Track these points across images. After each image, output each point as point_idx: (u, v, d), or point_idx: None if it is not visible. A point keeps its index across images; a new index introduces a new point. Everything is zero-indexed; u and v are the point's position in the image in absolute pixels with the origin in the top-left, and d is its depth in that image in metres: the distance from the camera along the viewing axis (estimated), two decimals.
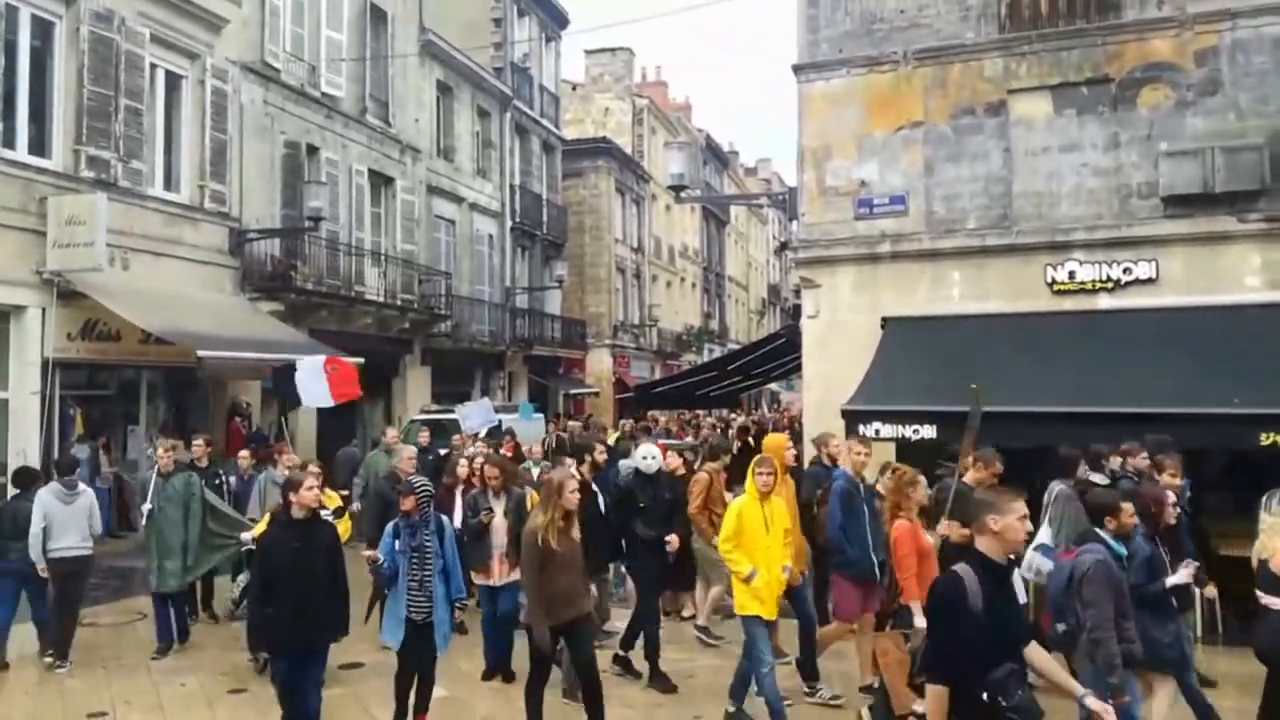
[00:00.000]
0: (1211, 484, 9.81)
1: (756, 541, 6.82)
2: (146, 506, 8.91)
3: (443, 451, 12.84)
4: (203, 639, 9.53)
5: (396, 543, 6.73)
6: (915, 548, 6.38)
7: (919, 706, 5.54)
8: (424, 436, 13.77)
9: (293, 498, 6.21)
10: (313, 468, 8.10)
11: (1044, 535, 7.34)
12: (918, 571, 6.27)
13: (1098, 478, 7.92)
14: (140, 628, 10.11)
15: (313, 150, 19.93)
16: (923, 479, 6.87)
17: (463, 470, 9.84)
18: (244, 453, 11.22)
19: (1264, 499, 6.31)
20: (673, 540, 8.80)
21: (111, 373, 15.57)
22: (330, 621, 6.28)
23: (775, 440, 8.88)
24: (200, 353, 13.66)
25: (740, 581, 6.79)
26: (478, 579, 8.38)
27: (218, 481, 9.98)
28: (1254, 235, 11.35)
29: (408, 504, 6.77)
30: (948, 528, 6.28)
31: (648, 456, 9.25)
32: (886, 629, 6.52)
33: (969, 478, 7.05)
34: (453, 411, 18.62)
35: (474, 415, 16.05)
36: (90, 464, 14.40)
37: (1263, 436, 8.67)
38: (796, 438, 18.12)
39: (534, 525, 6.35)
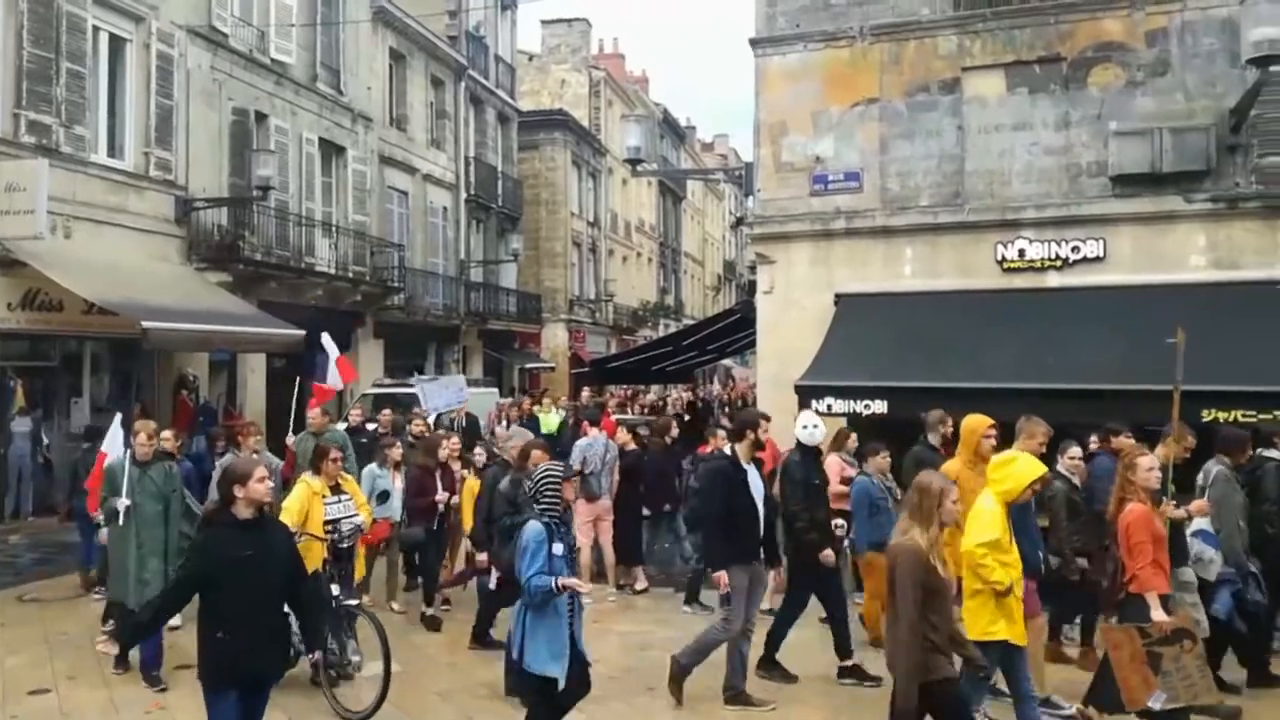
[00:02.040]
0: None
1: (1008, 547, 5.54)
2: (123, 502, 7.33)
3: (371, 427, 12.37)
4: None
5: (557, 546, 5.38)
6: (1150, 533, 5.76)
7: (1155, 703, 5.31)
8: (357, 413, 13.04)
9: (238, 492, 4.92)
10: (335, 453, 7.66)
11: (1203, 521, 6.98)
12: (1153, 559, 5.69)
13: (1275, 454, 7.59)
14: (82, 604, 9.94)
15: (261, 118, 19.55)
16: (1145, 459, 6.10)
17: (445, 451, 9.43)
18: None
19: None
20: (840, 525, 8.09)
21: (54, 344, 15.23)
22: (285, 648, 5.53)
23: (976, 422, 7.12)
24: (145, 324, 13.40)
25: (992, 598, 5.40)
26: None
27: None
28: (1200, 215, 11.54)
29: (569, 491, 5.63)
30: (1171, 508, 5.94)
31: (808, 425, 7.72)
32: (1112, 621, 5.99)
33: (1159, 453, 6.59)
34: (407, 385, 18.48)
35: (436, 394, 15.02)
36: (31, 437, 14.13)
37: (1204, 413, 8.84)
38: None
39: (912, 545, 4.84)
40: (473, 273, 29.66)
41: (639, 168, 16.16)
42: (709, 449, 10.24)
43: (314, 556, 7.07)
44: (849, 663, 7.40)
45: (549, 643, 5.31)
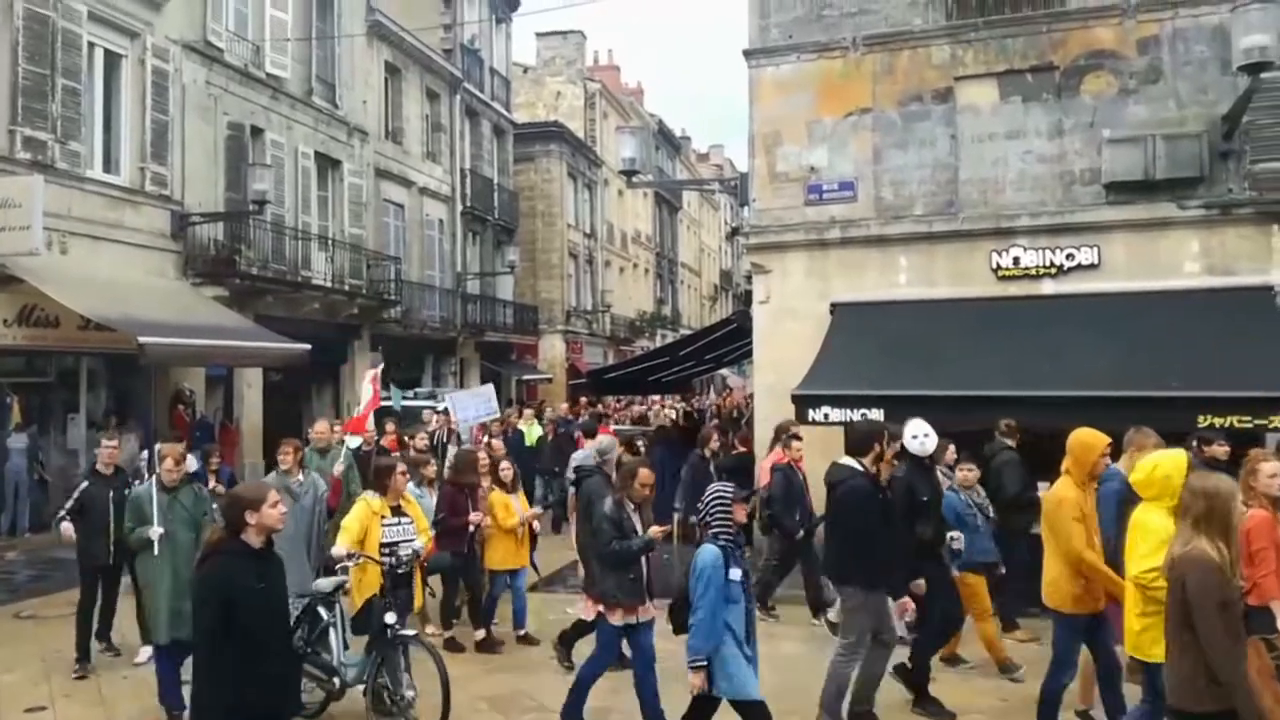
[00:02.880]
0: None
1: None
2: (155, 531, 6.93)
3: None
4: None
5: (734, 571, 5.19)
6: (1272, 540, 5.48)
7: None
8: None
9: (250, 518, 4.54)
10: (401, 469, 7.27)
11: None
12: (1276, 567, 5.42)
13: None
14: None
15: (257, 132, 19.58)
16: (1268, 464, 5.81)
17: (506, 471, 9.17)
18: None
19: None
20: (957, 538, 7.62)
21: (50, 359, 15.23)
22: (298, 686, 5.31)
23: (1094, 439, 6.20)
24: (142, 339, 13.39)
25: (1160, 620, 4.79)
26: (621, 617, 6.48)
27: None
28: (1193, 222, 11.56)
29: (741, 513, 5.37)
30: None
31: (918, 435, 7.13)
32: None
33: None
34: (405, 397, 18.47)
35: (467, 405, 14.24)
36: (28, 454, 14.10)
37: (1200, 419, 8.85)
38: (736, 424, 18.18)
39: (1203, 557, 4.11)
40: (469, 285, 29.67)
41: (634, 179, 16.17)
42: (783, 459, 10.06)
43: (369, 582, 6.79)
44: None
45: (738, 666, 5.16)
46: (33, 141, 14.14)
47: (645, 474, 6.69)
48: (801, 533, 9.75)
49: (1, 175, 13.48)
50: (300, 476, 8.08)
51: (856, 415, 10.18)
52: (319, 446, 9.73)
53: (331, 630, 6.79)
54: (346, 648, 6.86)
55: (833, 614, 8.55)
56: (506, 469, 9.31)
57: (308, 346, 17.26)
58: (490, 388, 15.94)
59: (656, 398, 28.83)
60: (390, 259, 24.14)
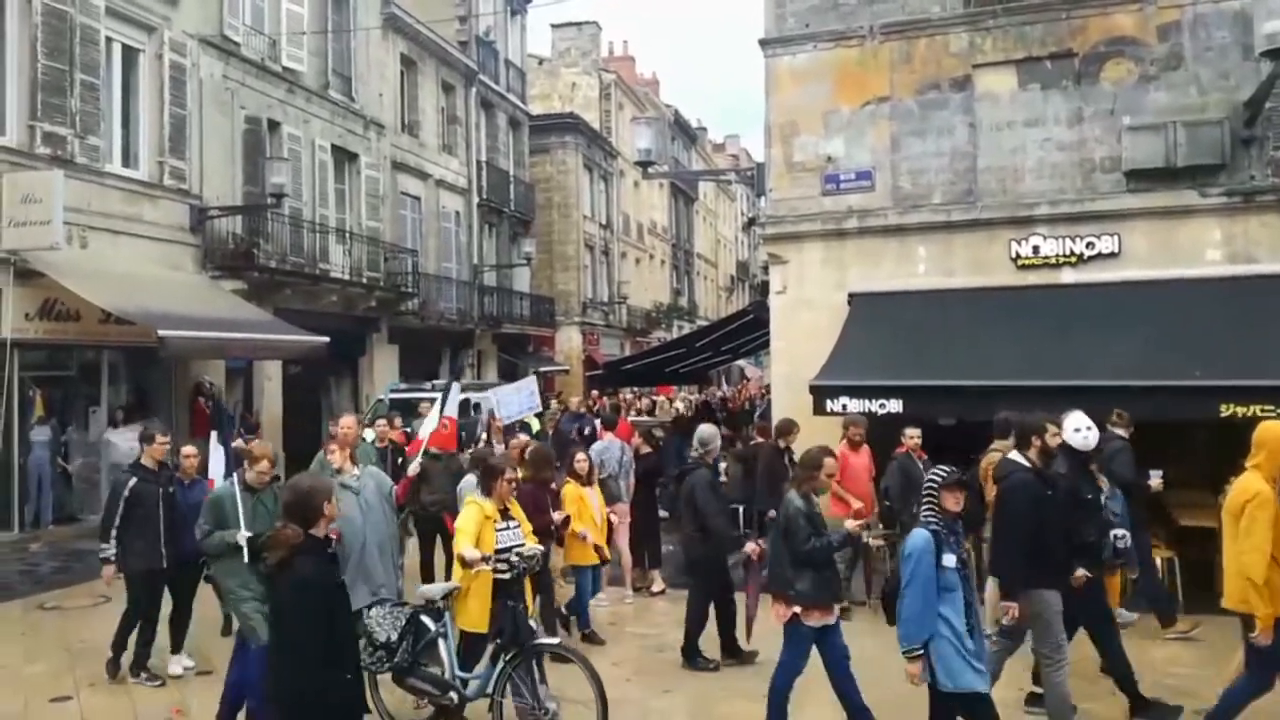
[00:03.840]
0: (1173, 456, 9.94)
1: None
2: (243, 535, 6.53)
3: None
4: (165, 621, 9.41)
5: (948, 558, 4.98)
6: None
7: None
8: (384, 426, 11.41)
9: (327, 509, 4.41)
10: (509, 473, 6.66)
11: None
12: None
13: None
14: (104, 611, 9.99)
15: (274, 125, 19.65)
16: None
17: (582, 463, 8.92)
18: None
19: None
20: (1123, 536, 7.20)
21: (71, 353, 15.34)
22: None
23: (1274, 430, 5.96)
24: (161, 332, 13.48)
25: None
26: (817, 618, 6.16)
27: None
28: (1215, 209, 11.46)
29: (951, 500, 5.13)
30: None
31: (1080, 428, 6.79)
32: None
33: None
34: (422, 389, 18.51)
35: (510, 400, 13.73)
36: (50, 447, 14.22)
37: (1223, 408, 8.78)
38: (748, 417, 18.11)
39: None
40: (486, 277, 29.73)
41: (650, 170, 16.15)
42: (903, 450, 9.53)
43: (484, 591, 6.34)
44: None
45: (955, 657, 4.95)
46: (52, 137, 14.23)
47: (830, 464, 6.43)
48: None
49: (22, 170, 13.57)
50: (355, 470, 7.60)
51: (874, 405, 10.18)
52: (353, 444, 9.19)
53: (441, 641, 6.35)
54: (460, 661, 6.39)
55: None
56: (583, 460, 9.07)
57: (326, 339, 17.34)
58: (533, 380, 15.24)
59: (658, 390, 28.77)
60: (407, 251, 24.21)
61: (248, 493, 6.74)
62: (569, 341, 35.93)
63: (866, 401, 10.24)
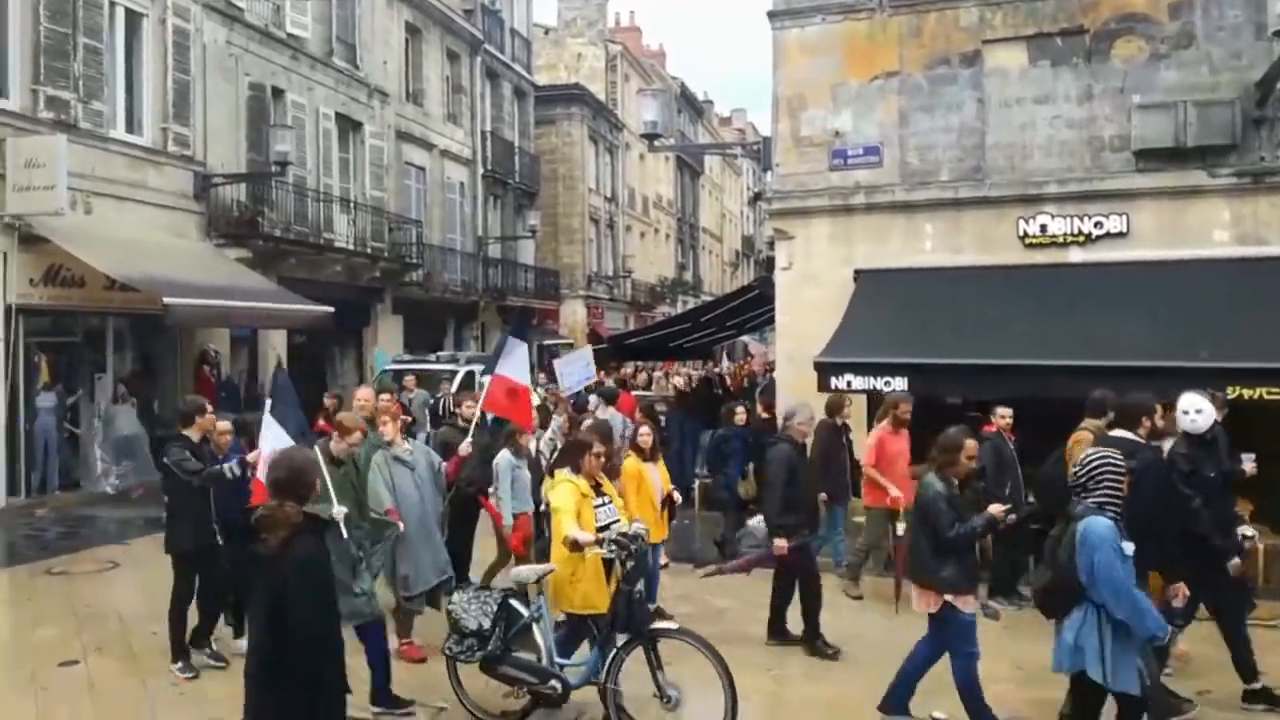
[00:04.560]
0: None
1: None
2: (339, 510, 6.17)
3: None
4: (170, 587, 9.46)
5: (1128, 545, 4.73)
6: None
7: None
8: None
9: (317, 485, 4.43)
10: (598, 446, 6.33)
11: None
12: None
13: None
14: (110, 576, 10.08)
15: (278, 93, 19.55)
16: None
17: (646, 437, 8.41)
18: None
19: None
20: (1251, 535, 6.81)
21: (76, 319, 15.33)
22: None
23: None
24: (167, 300, 13.47)
25: None
26: (971, 605, 5.98)
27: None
28: (1224, 190, 11.42)
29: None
30: None
31: (1189, 410, 6.51)
32: None
33: None
34: (426, 361, 18.54)
35: (572, 371, 13.26)
36: (56, 412, 14.26)
37: (1229, 389, 8.77)
38: (749, 393, 17.96)
39: None
40: (490, 249, 29.67)
41: (656, 143, 16.09)
42: (992, 429, 8.99)
43: (586, 573, 5.98)
44: (1256, 685, 6.39)
45: (1122, 654, 4.68)
46: (55, 101, 14.15)
47: (971, 446, 6.12)
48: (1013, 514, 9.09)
49: (25, 135, 13.51)
50: (408, 444, 7.26)
51: (879, 383, 10.18)
52: (368, 417, 8.28)
53: (535, 626, 6.02)
54: (569, 649, 6.13)
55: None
56: (646, 435, 8.57)
57: (331, 309, 17.33)
58: (589, 350, 14.60)
59: (660, 365, 28.68)
60: (411, 222, 24.15)
61: (333, 465, 6.34)
62: (573, 315, 35.91)
63: (871, 379, 10.25)
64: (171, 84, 16.55)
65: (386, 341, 23.09)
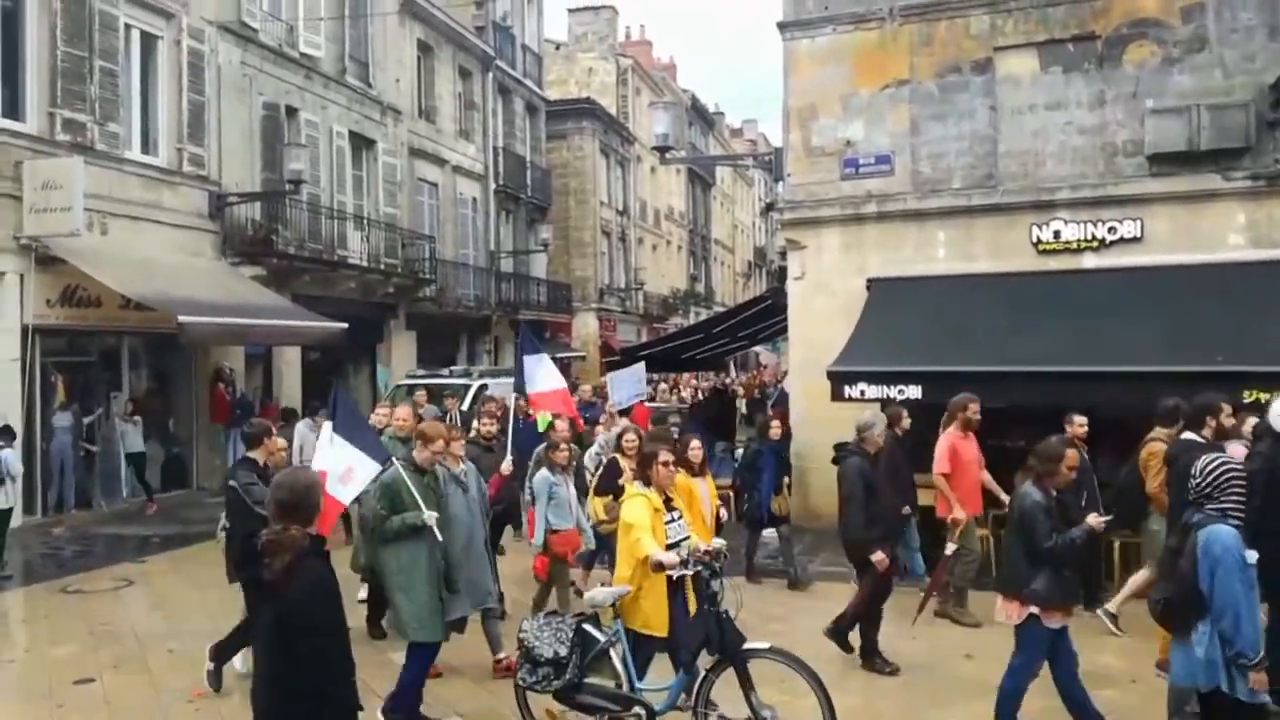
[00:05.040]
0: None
1: None
2: (432, 515, 6.24)
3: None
4: (186, 604, 9.51)
5: (1251, 554, 4.56)
6: None
7: None
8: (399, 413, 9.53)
9: (321, 505, 4.30)
10: (665, 455, 5.91)
11: None
12: None
13: None
14: (125, 594, 10.11)
15: (292, 112, 19.68)
16: None
17: (696, 451, 8.15)
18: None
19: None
20: None
21: (92, 339, 15.43)
22: None
23: None
24: (181, 318, 13.55)
25: None
26: (1057, 619, 5.73)
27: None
28: (1239, 193, 11.34)
29: None
30: None
31: None
32: None
33: None
34: (440, 375, 18.56)
35: (624, 386, 13.35)
36: (72, 431, 14.34)
37: (1246, 393, 8.69)
38: (760, 403, 17.84)
39: None
40: (503, 263, 29.74)
41: (667, 155, 16.10)
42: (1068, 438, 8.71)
43: (657, 591, 5.71)
44: None
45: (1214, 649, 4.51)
46: (72, 123, 14.29)
47: (1073, 456, 5.88)
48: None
49: (42, 157, 13.64)
50: (463, 465, 7.09)
51: (893, 391, 10.13)
52: (400, 435, 8.38)
53: (612, 651, 5.78)
54: (637, 671, 5.80)
55: (1112, 605, 8.08)
56: (696, 449, 8.35)
57: (344, 325, 17.40)
58: (641, 367, 14.65)
59: (671, 378, 28.59)
60: (425, 238, 24.24)
61: (417, 474, 6.41)
62: (586, 327, 35.93)
63: (885, 387, 10.19)
64: (186, 105, 16.68)
65: (399, 357, 23.15)
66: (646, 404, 17.68)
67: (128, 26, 15.72)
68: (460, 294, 26.36)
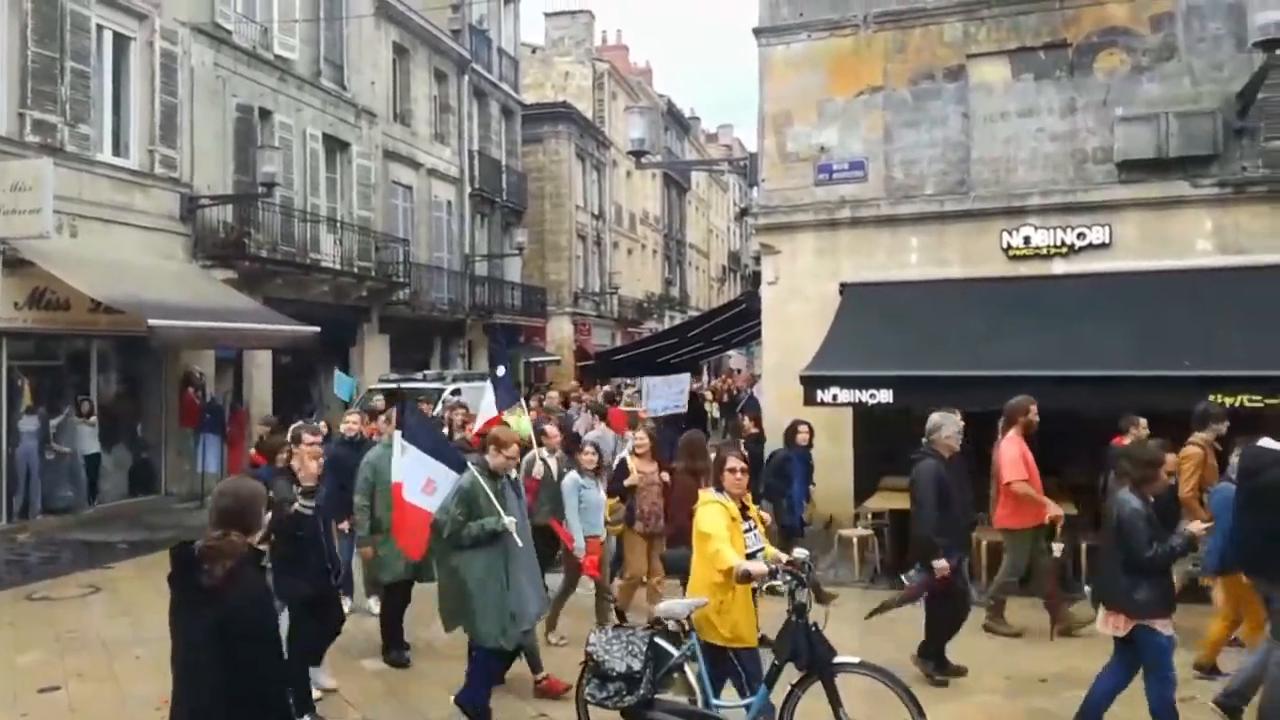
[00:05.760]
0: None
1: None
2: (511, 520, 6.24)
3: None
4: (152, 611, 9.39)
5: None
6: None
7: None
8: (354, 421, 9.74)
9: (265, 517, 4.21)
10: (734, 461, 5.65)
11: None
12: None
13: None
14: (92, 601, 10.00)
15: (266, 114, 19.55)
16: None
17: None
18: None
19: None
20: None
21: (60, 342, 15.24)
22: None
23: None
24: (151, 322, 13.41)
25: None
26: (1170, 627, 5.66)
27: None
28: (1206, 200, 11.49)
29: None
30: None
31: None
32: None
33: None
34: (413, 380, 18.50)
35: (661, 394, 13.12)
36: (39, 436, 14.16)
37: (1213, 398, 8.80)
38: (730, 408, 17.80)
39: None
40: (477, 267, 29.65)
41: (643, 160, 16.11)
42: (1123, 441, 8.67)
43: (735, 603, 5.44)
44: None
45: None
46: (42, 125, 14.13)
47: (1172, 461, 5.71)
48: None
49: (11, 159, 13.46)
50: (514, 473, 6.92)
51: (865, 396, 10.18)
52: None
53: (688, 666, 5.60)
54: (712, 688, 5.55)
55: None
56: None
57: (317, 329, 17.29)
58: (686, 378, 14.27)
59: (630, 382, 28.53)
60: (399, 241, 24.13)
61: (492, 480, 6.32)
62: (560, 331, 35.89)
63: (858, 392, 10.25)
64: (159, 106, 16.53)
65: (373, 361, 23.03)
66: (622, 407, 17.68)
67: (99, 27, 15.57)
68: (434, 298, 26.25)
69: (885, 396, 10.09)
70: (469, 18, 29.30)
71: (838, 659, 5.32)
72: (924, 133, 12.71)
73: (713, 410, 24.37)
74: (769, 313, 13.54)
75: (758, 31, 13.57)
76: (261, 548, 5.39)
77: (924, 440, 7.53)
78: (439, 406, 14.10)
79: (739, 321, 18.96)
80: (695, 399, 22.73)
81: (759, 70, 13.57)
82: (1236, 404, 8.71)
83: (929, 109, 12.68)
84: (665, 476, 8.62)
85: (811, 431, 10.79)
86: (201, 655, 3.67)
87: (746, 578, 5.24)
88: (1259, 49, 10.25)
